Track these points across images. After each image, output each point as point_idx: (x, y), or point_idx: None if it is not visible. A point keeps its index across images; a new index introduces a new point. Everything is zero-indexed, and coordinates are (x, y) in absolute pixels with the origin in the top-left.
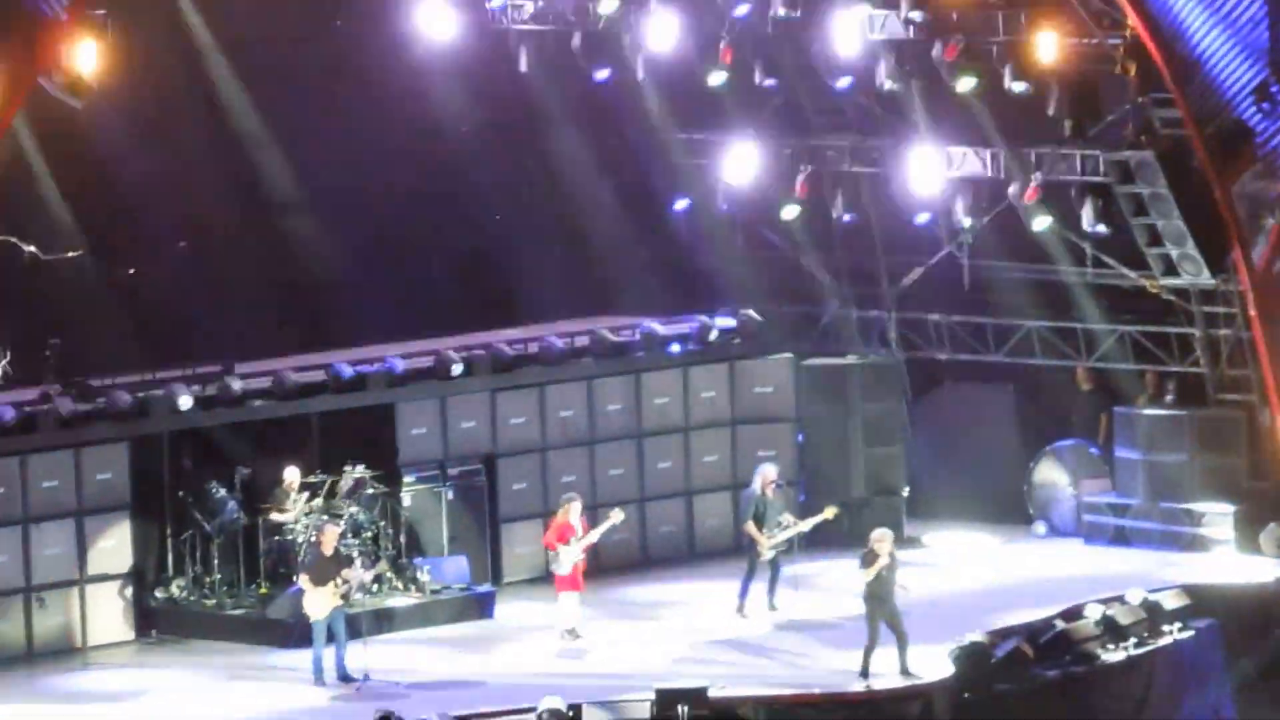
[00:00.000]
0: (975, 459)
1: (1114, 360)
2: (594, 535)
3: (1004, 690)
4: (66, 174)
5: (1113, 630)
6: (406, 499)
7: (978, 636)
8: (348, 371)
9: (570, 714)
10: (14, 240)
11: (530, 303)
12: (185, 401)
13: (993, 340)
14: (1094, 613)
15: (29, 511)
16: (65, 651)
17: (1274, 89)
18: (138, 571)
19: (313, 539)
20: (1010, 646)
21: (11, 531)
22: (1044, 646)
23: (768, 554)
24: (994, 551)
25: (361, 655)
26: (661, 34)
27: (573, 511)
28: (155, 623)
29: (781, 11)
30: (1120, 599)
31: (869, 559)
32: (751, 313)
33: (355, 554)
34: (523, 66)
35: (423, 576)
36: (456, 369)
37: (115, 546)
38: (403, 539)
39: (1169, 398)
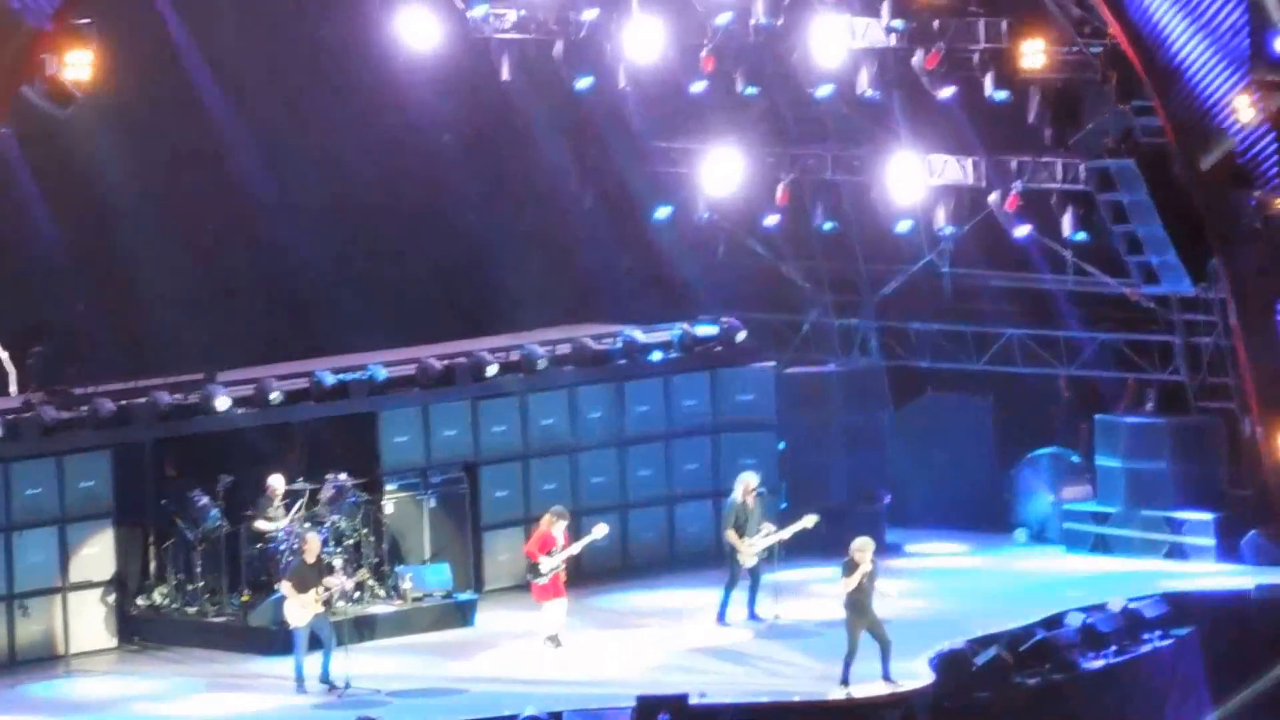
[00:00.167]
0: (956, 466)
1: (1095, 368)
2: (575, 548)
3: (984, 698)
4: (50, 181)
5: (1093, 638)
6: (389, 507)
7: (958, 644)
8: (330, 379)
9: None
10: None
11: (512, 311)
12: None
13: (973, 348)
14: (1074, 621)
15: (11, 519)
16: (48, 659)
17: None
18: (120, 579)
19: (295, 546)
20: (990, 654)
21: None
22: (1024, 654)
23: (748, 562)
24: (974, 559)
25: (343, 662)
26: (643, 43)
27: (556, 526)
28: (138, 630)
29: (763, 20)
30: (1100, 607)
31: (850, 568)
32: (733, 321)
33: (337, 562)
34: (504, 75)
35: (404, 584)
36: (439, 376)
37: (98, 554)
38: (385, 547)
39: (1149, 406)
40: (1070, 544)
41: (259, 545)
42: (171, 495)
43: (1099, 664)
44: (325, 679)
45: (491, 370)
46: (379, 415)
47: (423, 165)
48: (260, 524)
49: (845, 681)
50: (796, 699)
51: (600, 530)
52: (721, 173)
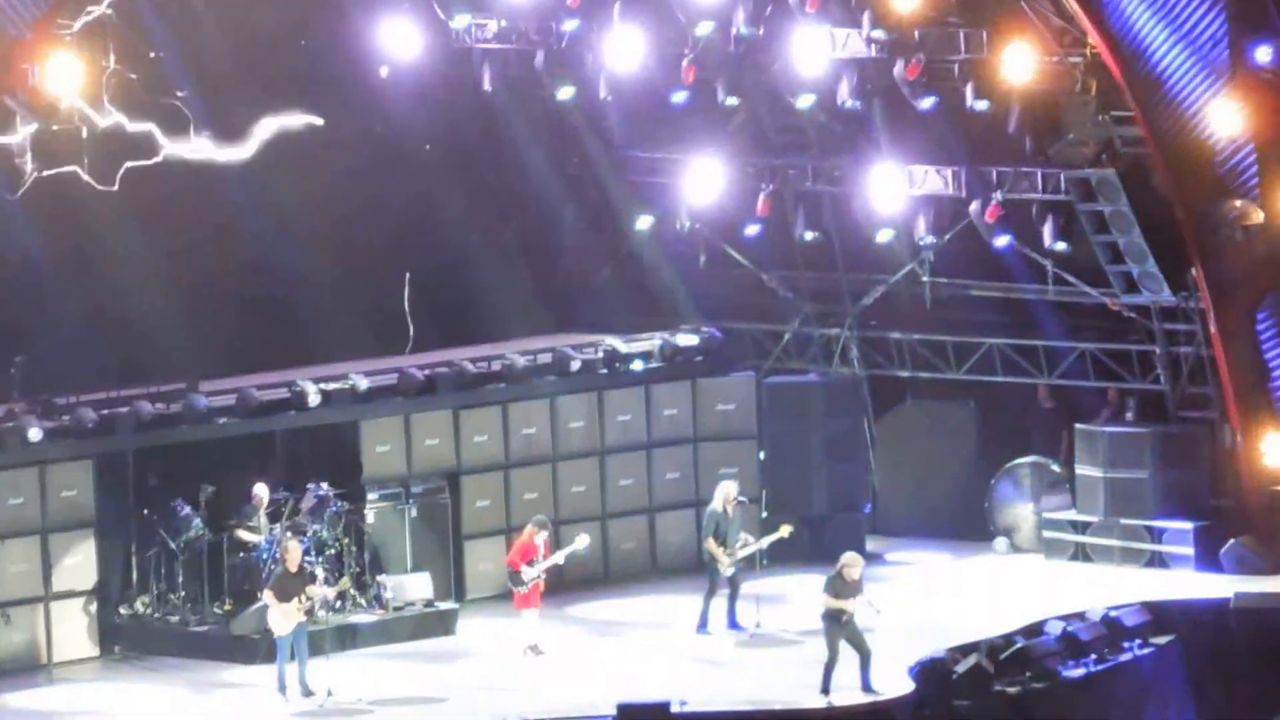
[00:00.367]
0: (936, 476)
1: (1075, 378)
2: (556, 559)
3: (964, 706)
4: (31, 191)
5: (1073, 647)
6: (370, 516)
7: (938, 653)
8: (312, 389)
9: None
10: None
11: (493, 320)
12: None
13: (954, 358)
14: (1054, 629)
15: None
16: (30, 668)
17: None
18: (102, 588)
19: (277, 555)
20: (971, 663)
21: None
22: (1004, 663)
23: (728, 571)
24: (955, 568)
25: (325, 671)
26: (624, 53)
27: (538, 536)
28: (120, 639)
29: (744, 30)
30: (1081, 615)
31: (836, 585)
32: (714, 330)
33: (319, 571)
34: (486, 85)
35: (386, 593)
36: (420, 386)
37: (80, 563)
38: (366, 556)
39: (1130, 415)
40: (1050, 553)
41: (240, 554)
42: (154, 505)
43: (1079, 672)
44: (305, 690)
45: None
46: (361, 425)
47: (404, 175)
48: (242, 533)
49: (826, 690)
50: (777, 707)
51: (582, 541)
52: (702, 183)
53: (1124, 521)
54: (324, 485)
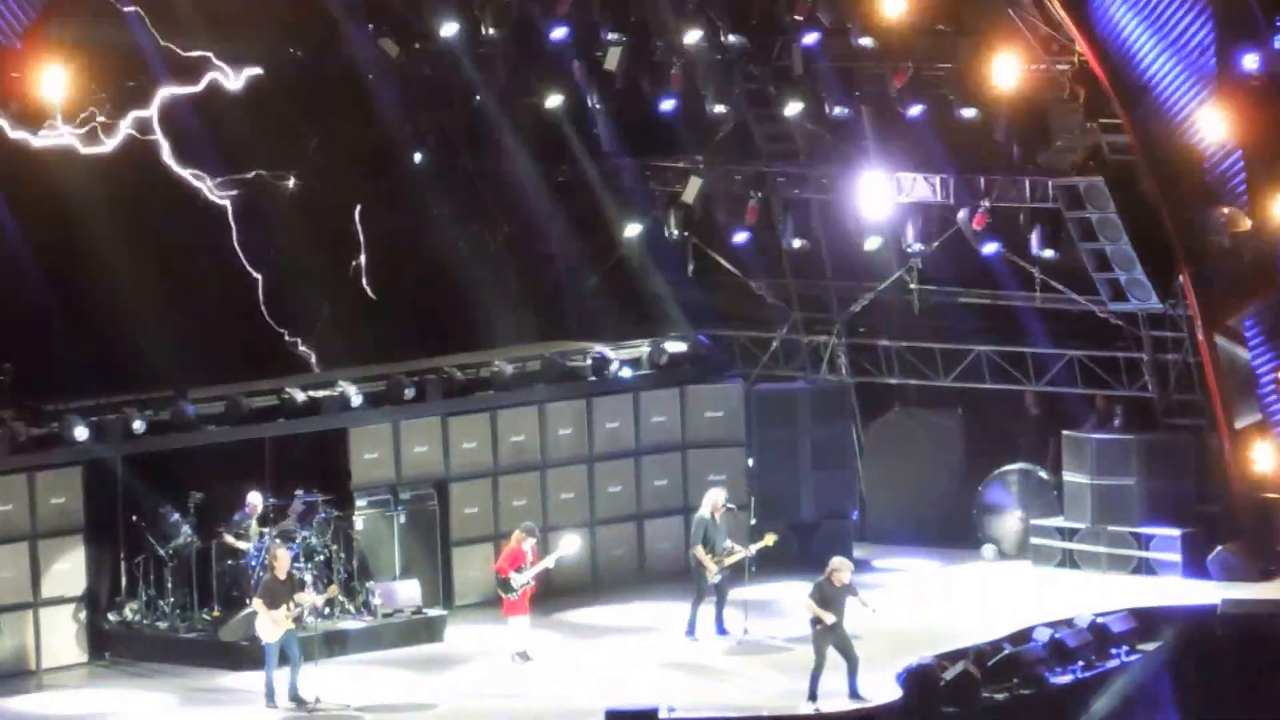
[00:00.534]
0: (924, 482)
1: (1062, 385)
2: (546, 563)
3: (952, 713)
4: (19, 200)
5: (1060, 653)
6: (359, 523)
7: (926, 659)
8: (301, 396)
9: None
10: None
11: (482, 328)
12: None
13: (942, 365)
14: (1042, 636)
15: None
16: (19, 674)
17: None
18: (92, 595)
19: (266, 562)
20: (958, 670)
21: None
22: (992, 669)
23: (715, 578)
24: (942, 574)
25: (313, 678)
26: (612, 61)
27: (526, 542)
28: (109, 645)
29: (732, 39)
30: (1068, 622)
31: (824, 590)
32: (702, 337)
33: (308, 577)
34: (476, 93)
35: (374, 600)
36: (408, 393)
37: (69, 570)
38: (355, 563)
39: (1117, 422)
40: (1037, 560)
41: (229, 561)
42: (142, 512)
43: (1066, 679)
44: (294, 694)
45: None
46: (349, 432)
47: (393, 182)
48: (230, 540)
49: (813, 697)
50: (765, 714)
51: (571, 544)
52: (693, 190)
53: (1111, 528)
54: (313, 492)
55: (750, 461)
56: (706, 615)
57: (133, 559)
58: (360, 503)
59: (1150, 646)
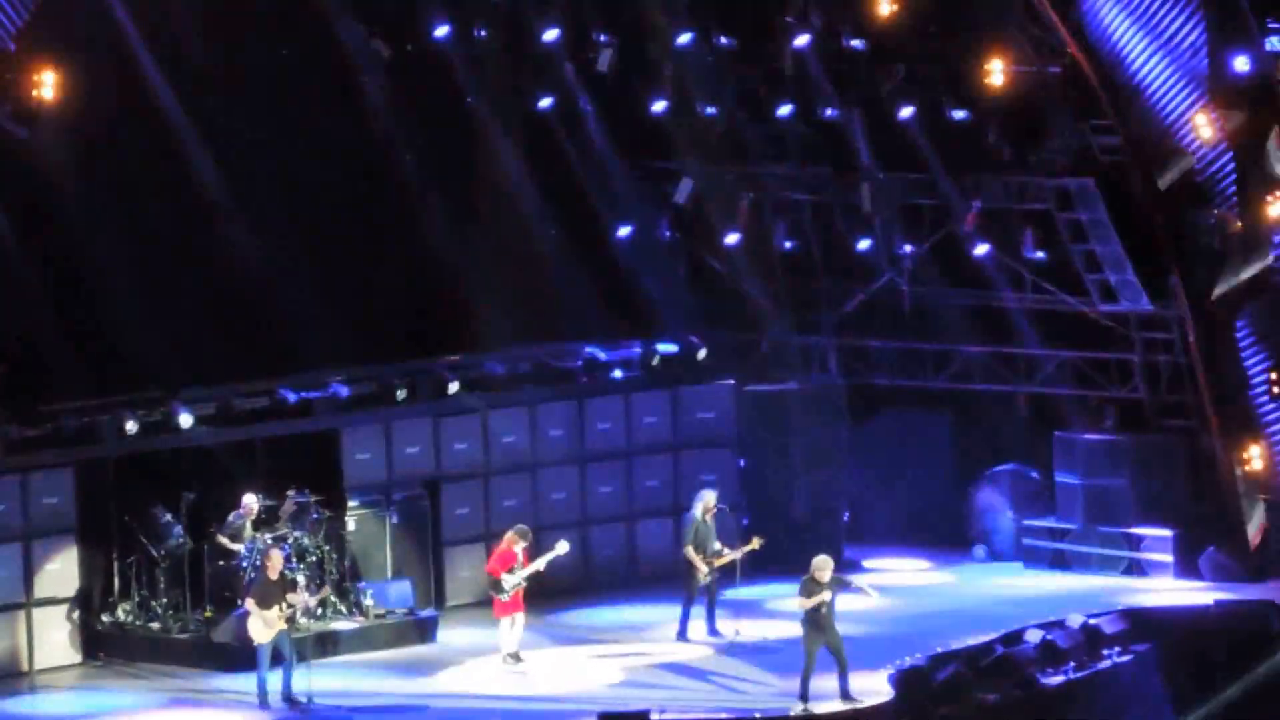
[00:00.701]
0: (915, 483)
1: (1054, 386)
2: (536, 565)
3: (944, 714)
4: (11, 202)
5: (1052, 654)
6: (351, 524)
7: (918, 660)
8: (293, 397)
9: None
10: None
11: (473, 329)
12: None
13: (933, 366)
14: (1034, 637)
15: None
16: (12, 675)
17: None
18: (84, 595)
19: (258, 563)
20: (950, 670)
21: None
22: (984, 670)
23: (706, 579)
24: (934, 575)
25: (305, 678)
26: (604, 62)
27: (518, 544)
28: (102, 646)
29: (723, 40)
30: (1060, 623)
31: (809, 588)
32: (693, 339)
33: (300, 578)
34: (467, 94)
35: (366, 600)
36: (400, 394)
37: (62, 570)
38: (347, 563)
39: (1108, 423)
40: (1029, 560)
41: (221, 562)
42: (134, 512)
43: (1058, 680)
44: (287, 695)
45: (453, 387)
46: (342, 433)
47: (385, 184)
48: (223, 540)
49: (804, 698)
50: (757, 715)
51: (561, 547)
52: (684, 191)
53: (1102, 529)
54: (305, 492)
55: (741, 463)
56: (698, 617)
57: (125, 560)
58: (352, 503)
59: (1142, 647)
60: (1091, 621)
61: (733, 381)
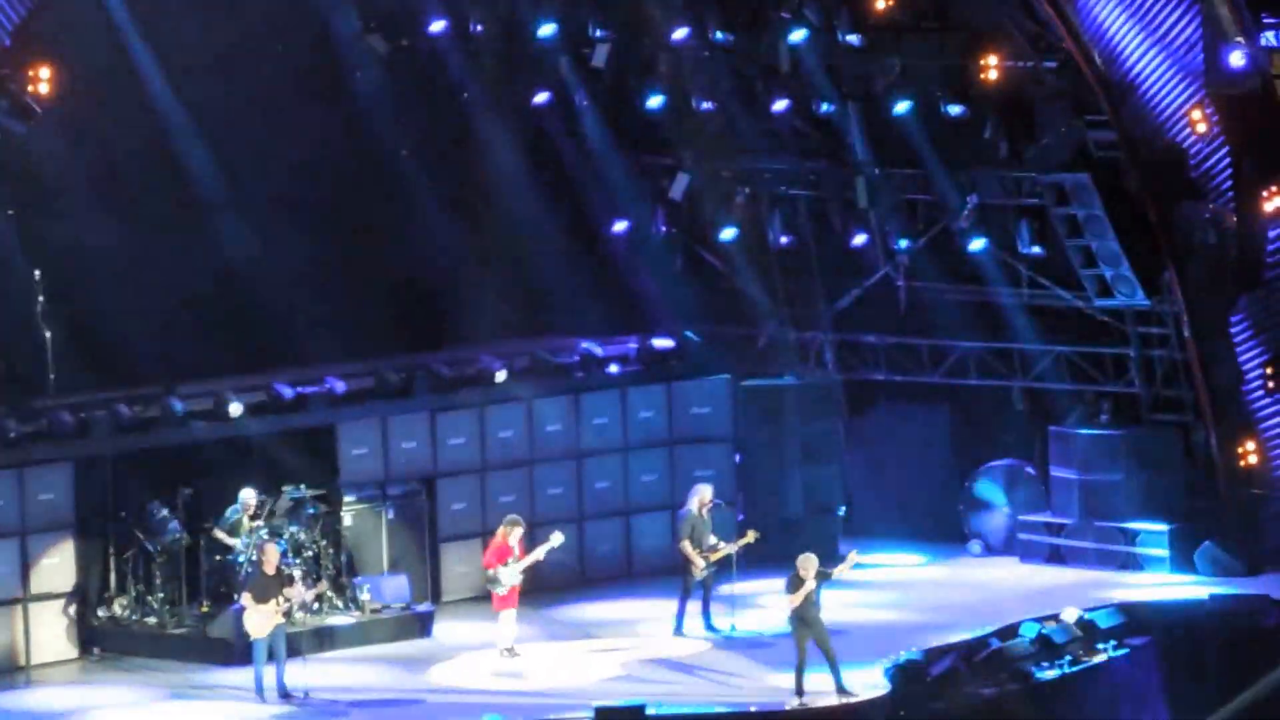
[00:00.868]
0: (911, 478)
1: (1050, 380)
2: (533, 557)
3: (939, 708)
4: (7, 196)
5: (1048, 648)
6: (347, 519)
7: (913, 654)
8: (289, 392)
9: None
10: None
11: (469, 324)
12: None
13: (929, 361)
14: (1029, 631)
15: None
16: (8, 670)
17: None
18: (81, 591)
19: (254, 558)
20: (946, 664)
21: None
22: (979, 664)
23: (702, 573)
24: (929, 570)
25: (302, 673)
26: (600, 57)
27: (512, 535)
28: (98, 641)
29: (719, 35)
30: (1055, 617)
31: (794, 585)
32: (689, 334)
33: (296, 573)
34: (464, 89)
35: (363, 595)
36: (396, 390)
37: (58, 566)
38: (343, 558)
39: (1104, 418)
40: (1025, 555)
41: (218, 557)
42: (131, 508)
43: (1054, 674)
44: (283, 690)
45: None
46: (338, 428)
47: (381, 179)
48: (220, 535)
49: (799, 692)
50: (753, 710)
51: (556, 538)
52: (680, 187)
53: (1099, 523)
54: (301, 487)
55: (737, 458)
56: (694, 611)
57: (122, 555)
58: (348, 498)
59: (1138, 641)
60: (1087, 616)
61: (729, 376)
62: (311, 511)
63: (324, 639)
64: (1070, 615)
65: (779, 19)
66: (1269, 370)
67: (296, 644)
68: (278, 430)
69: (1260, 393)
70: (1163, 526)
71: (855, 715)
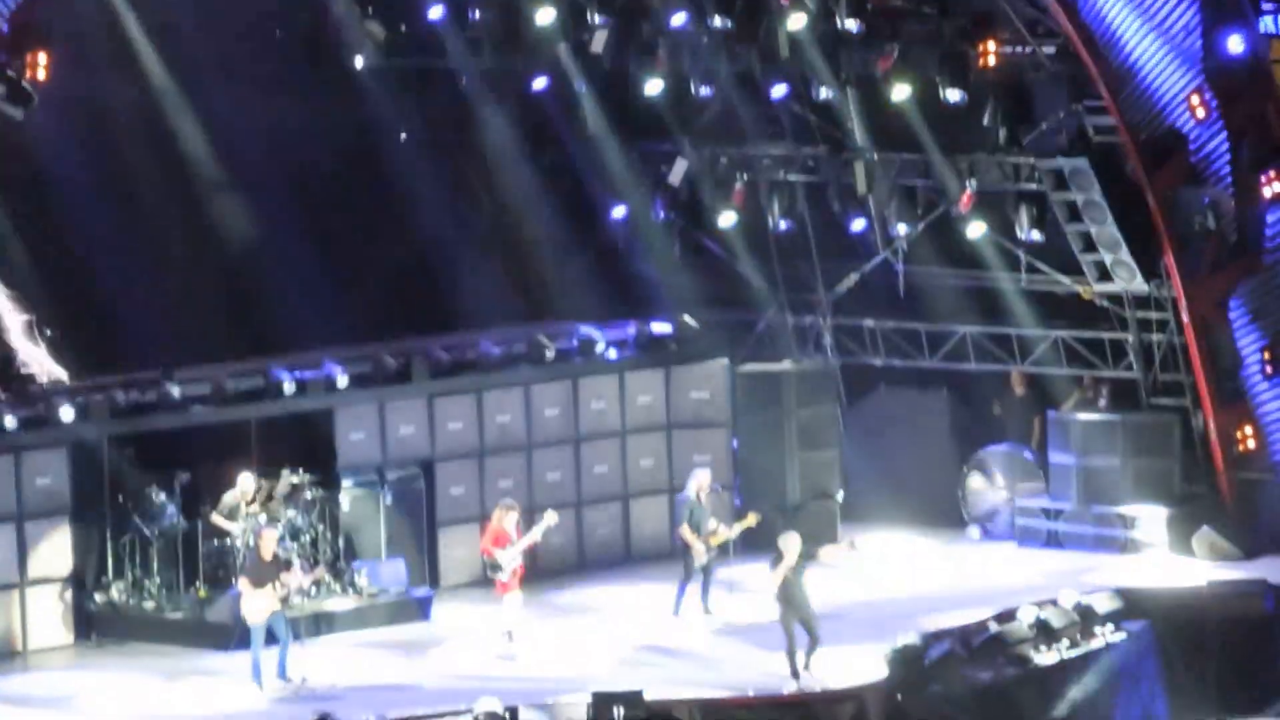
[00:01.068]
0: (910, 463)
1: (1048, 365)
2: (529, 538)
3: (937, 692)
4: (4, 182)
5: (1046, 632)
6: (345, 503)
7: (911, 638)
8: (287, 377)
9: (506, 716)
10: None
11: (468, 308)
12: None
13: (927, 345)
14: (1027, 615)
15: None
16: (5, 655)
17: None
18: (78, 575)
19: (251, 542)
20: (943, 648)
21: None
22: (977, 649)
23: (702, 558)
24: (928, 555)
25: (299, 658)
26: (598, 43)
27: (507, 519)
28: (95, 626)
29: (718, 21)
30: (1053, 602)
31: (777, 561)
32: (688, 319)
33: (294, 557)
34: (461, 75)
35: (360, 580)
36: (394, 374)
37: (55, 551)
38: (341, 543)
39: (1102, 402)
40: (1023, 540)
41: (215, 541)
42: (128, 492)
43: (1052, 658)
44: (282, 674)
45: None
46: (335, 412)
47: (379, 164)
48: (217, 520)
49: (795, 675)
50: (751, 693)
51: (551, 517)
52: (679, 172)
53: (1096, 508)
54: (299, 472)
55: (735, 443)
56: (693, 596)
57: (119, 540)
58: (346, 483)
59: (1135, 626)
60: (1085, 600)
61: (727, 361)
62: (309, 496)
63: (322, 623)
64: (1068, 599)
65: (778, 4)
66: (1267, 355)
67: (294, 629)
68: (275, 415)
69: (1259, 377)
70: (1161, 511)
71: (853, 698)
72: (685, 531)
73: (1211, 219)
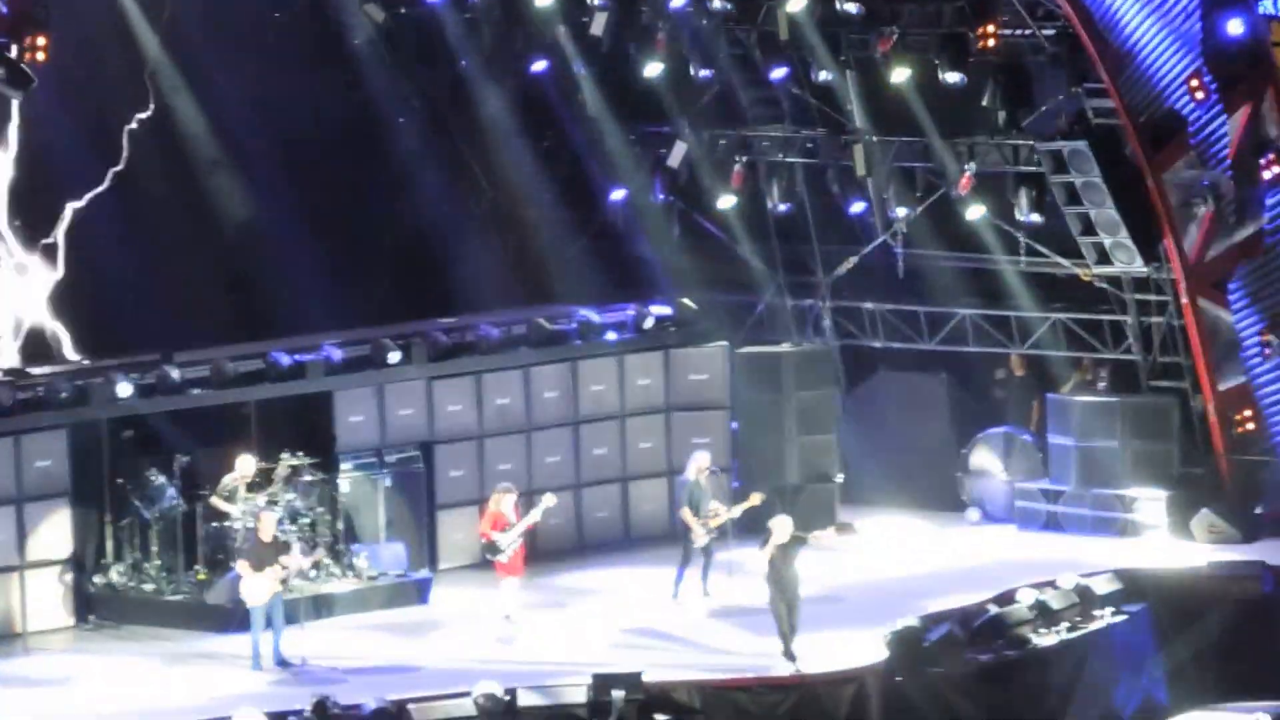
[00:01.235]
0: (909, 446)
1: (1047, 348)
2: (528, 521)
3: (936, 674)
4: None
5: (1045, 615)
6: (344, 486)
7: (911, 621)
8: (286, 360)
9: (506, 698)
10: None
11: (467, 291)
12: (125, 389)
13: (926, 328)
14: (1027, 597)
15: None
16: (5, 637)
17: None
18: (77, 558)
19: (251, 525)
20: (943, 631)
21: None
22: (977, 631)
23: (702, 540)
24: (927, 537)
25: (299, 640)
26: (597, 25)
27: (505, 502)
28: (95, 608)
29: (717, 3)
30: (1053, 584)
31: (765, 542)
32: (687, 301)
33: (293, 540)
34: (460, 57)
35: (360, 563)
36: (394, 357)
37: (55, 533)
38: (340, 526)
39: (1101, 385)
40: (1022, 522)
41: (214, 524)
42: (128, 474)
43: (1051, 640)
44: (279, 660)
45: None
46: (334, 395)
47: (378, 147)
48: (217, 502)
49: (791, 657)
50: (749, 675)
51: (549, 499)
52: (678, 155)
53: (1096, 490)
54: (298, 455)
55: (734, 425)
56: (692, 578)
57: (118, 522)
58: (345, 465)
59: (1135, 608)
60: (1084, 582)
61: (726, 344)
62: (308, 479)
63: (321, 606)
64: (1067, 582)
65: None
66: (1265, 337)
67: (294, 611)
68: (275, 397)
69: (1258, 359)
70: (1160, 493)
71: (852, 681)
72: (686, 514)
73: (1211, 201)
